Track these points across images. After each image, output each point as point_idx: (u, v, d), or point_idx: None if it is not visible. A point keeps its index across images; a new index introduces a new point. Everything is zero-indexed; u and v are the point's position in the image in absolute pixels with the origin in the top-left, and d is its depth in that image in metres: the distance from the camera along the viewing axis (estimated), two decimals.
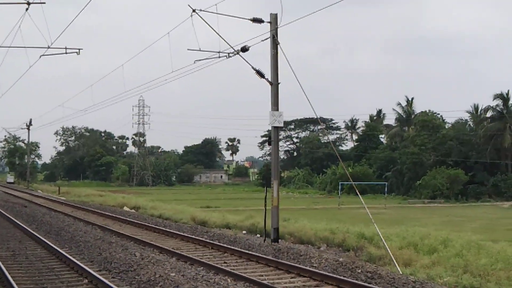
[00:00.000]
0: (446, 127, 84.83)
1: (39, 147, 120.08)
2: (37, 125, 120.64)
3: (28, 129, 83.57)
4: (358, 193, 23.73)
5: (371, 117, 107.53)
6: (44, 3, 18.51)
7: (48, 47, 23.61)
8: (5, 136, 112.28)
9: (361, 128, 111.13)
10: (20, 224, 27.70)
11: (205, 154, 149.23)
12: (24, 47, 25.06)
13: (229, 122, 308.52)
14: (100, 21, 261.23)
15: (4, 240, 22.51)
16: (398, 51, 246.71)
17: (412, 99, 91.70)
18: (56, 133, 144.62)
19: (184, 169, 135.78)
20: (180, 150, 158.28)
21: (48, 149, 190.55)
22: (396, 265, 17.10)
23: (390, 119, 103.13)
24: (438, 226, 29.58)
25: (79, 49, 25.13)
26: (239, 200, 61.44)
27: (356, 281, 14.19)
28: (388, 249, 18.34)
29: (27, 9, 19.28)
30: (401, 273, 16.12)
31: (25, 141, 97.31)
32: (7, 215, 32.62)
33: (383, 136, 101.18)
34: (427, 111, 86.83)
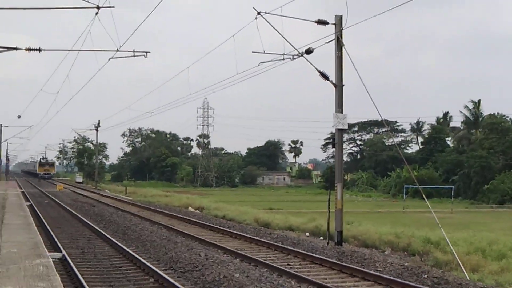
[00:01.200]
0: None
1: (106, 148, 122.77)
2: (105, 127, 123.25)
3: (97, 130, 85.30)
4: (424, 196, 23.35)
5: (437, 119, 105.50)
6: (113, 7, 18.90)
7: (117, 50, 24.11)
8: (75, 137, 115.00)
9: (427, 131, 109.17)
10: (89, 223, 28.45)
11: (268, 156, 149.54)
12: (94, 50, 25.64)
13: (293, 124, 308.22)
14: (167, 24, 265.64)
15: (73, 238, 23.18)
16: (464, 52, 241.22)
17: (479, 101, 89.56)
18: (123, 134, 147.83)
19: (247, 170, 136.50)
20: (243, 151, 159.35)
21: (116, 150, 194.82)
22: (464, 270, 16.74)
23: (457, 122, 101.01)
24: (507, 231, 28.76)
25: (146, 52, 25.53)
26: (301, 202, 61.30)
27: (422, 286, 13.96)
28: (456, 254, 17.97)
29: (97, 13, 19.75)
30: (468, 279, 15.77)
31: (94, 142, 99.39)
32: (77, 214, 33.54)
33: (449, 139, 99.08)
34: (496, 114, 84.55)
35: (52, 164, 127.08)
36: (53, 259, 13.59)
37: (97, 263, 17.34)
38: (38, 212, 32.35)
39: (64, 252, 17.76)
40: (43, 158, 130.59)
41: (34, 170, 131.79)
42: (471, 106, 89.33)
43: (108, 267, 16.73)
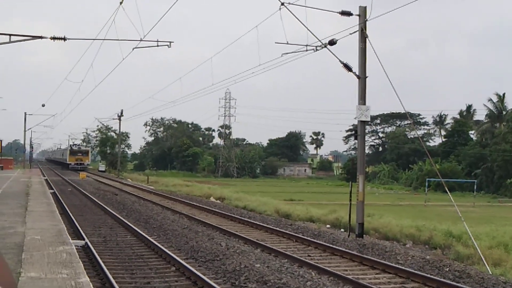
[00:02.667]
0: None
1: (129, 137, 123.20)
2: (128, 116, 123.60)
3: (120, 119, 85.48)
4: (447, 190, 23.20)
5: (461, 112, 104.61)
6: None
7: (141, 40, 24.26)
8: (98, 126, 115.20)
9: (450, 124, 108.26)
10: (111, 211, 28.67)
11: (289, 147, 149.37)
12: (118, 39, 25.82)
13: (314, 115, 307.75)
14: (190, 14, 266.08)
15: (96, 226, 23.39)
16: (489, 44, 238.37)
17: (504, 94, 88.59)
18: (146, 124, 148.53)
19: (268, 161, 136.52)
20: (265, 142, 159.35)
21: (138, 140, 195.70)
22: (486, 264, 16.63)
23: (480, 115, 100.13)
24: None
25: (170, 42, 25.68)
26: (322, 194, 61.18)
27: (444, 280, 13.90)
28: (478, 248, 17.85)
29: (121, 2, 19.88)
30: (490, 273, 15.66)
31: (116, 131, 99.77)
32: (99, 202, 33.83)
33: (473, 132, 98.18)
34: None
35: (86, 152, 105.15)
36: (76, 247, 13.76)
37: (119, 251, 17.49)
38: (61, 200, 32.69)
39: (86, 239, 17.94)
40: (74, 145, 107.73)
41: (63, 160, 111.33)
42: (495, 99, 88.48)
43: (130, 255, 16.88)
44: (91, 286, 8.98)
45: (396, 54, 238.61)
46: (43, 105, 75.04)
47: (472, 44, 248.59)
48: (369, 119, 22.78)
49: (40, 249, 12.09)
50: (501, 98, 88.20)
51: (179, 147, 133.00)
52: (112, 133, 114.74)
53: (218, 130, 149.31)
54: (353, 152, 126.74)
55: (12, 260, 10.76)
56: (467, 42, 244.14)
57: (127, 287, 12.65)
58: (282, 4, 20.96)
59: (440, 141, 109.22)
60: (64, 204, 30.44)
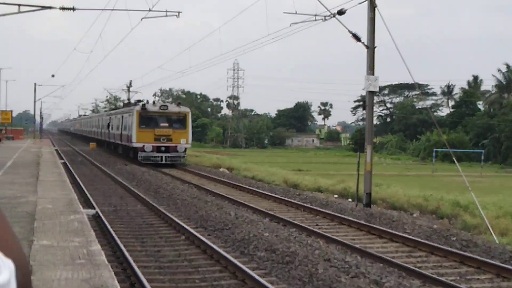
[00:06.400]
0: None
1: None
2: (136, 86, 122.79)
3: (129, 90, 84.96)
4: (455, 160, 23.25)
5: (469, 83, 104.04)
6: None
7: (149, 10, 24.23)
8: (107, 96, 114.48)
9: (458, 94, 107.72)
10: (121, 181, 28.88)
11: (297, 118, 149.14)
12: (127, 9, 25.80)
13: (322, 86, 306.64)
14: None
15: (106, 196, 23.61)
16: (498, 13, 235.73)
17: None
18: (155, 94, 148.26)
19: (276, 132, 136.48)
20: (273, 113, 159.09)
21: None
22: (493, 234, 16.75)
23: (487, 85, 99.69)
24: None
25: (178, 12, 25.60)
26: (330, 164, 61.18)
27: (450, 249, 14.04)
28: (485, 218, 17.96)
29: None
30: (497, 242, 15.79)
31: (125, 102, 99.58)
32: (109, 172, 34.05)
33: (481, 103, 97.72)
34: None
35: (181, 119, 45.01)
36: (87, 216, 13.94)
37: (129, 220, 17.72)
38: (72, 170, 32.90)
39: (97, 209, 18.17)
40: (148, 102, 50.29)
41: (114, 136, 54.24)
42: (504, 69, 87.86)
43: (140, 224, 17.10)
44: (103, 254, 9.14)
45: (404, 23, 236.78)
46: (53, 76, 74.78)
47: (481, 12, 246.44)
48: (377, 89, 22.77)
49: (51, 218, 12.26)
50: (510, 68, 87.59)
51: None
52: (121, 104, 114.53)
53: (227, 101, 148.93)
54: (361, 122, 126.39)
55: (24, 228, 10.94)
56: (476, 9, 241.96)
57: (138, 255, 12.86)
58: None
59: (448, 112, 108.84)
60: (74, 174, 30.66)
